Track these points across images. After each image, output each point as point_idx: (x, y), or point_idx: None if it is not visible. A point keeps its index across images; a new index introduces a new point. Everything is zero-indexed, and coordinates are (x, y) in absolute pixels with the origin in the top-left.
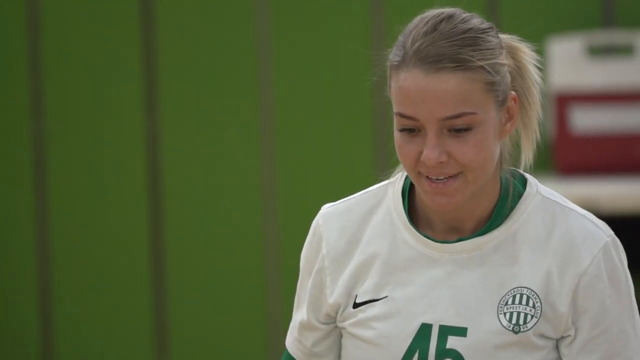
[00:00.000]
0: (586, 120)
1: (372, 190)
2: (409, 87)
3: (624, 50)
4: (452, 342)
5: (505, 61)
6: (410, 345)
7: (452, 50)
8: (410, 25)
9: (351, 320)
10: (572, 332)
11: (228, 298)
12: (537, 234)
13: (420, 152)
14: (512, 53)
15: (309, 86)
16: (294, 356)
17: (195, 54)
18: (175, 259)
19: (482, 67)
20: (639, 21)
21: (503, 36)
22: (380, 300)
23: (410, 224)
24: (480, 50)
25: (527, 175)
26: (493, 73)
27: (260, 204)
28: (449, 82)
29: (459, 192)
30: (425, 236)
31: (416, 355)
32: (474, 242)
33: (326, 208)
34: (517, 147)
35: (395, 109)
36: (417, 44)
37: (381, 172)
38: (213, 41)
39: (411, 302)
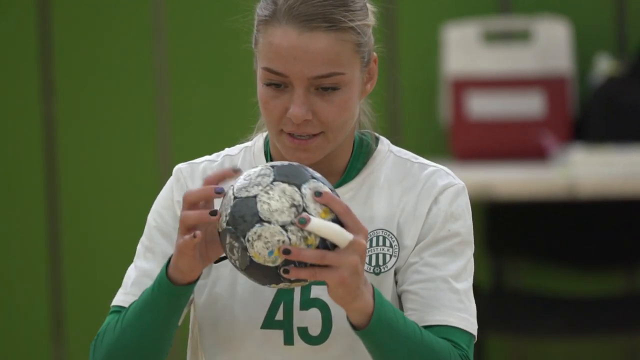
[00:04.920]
0: (482, 106)
1: (228, 152)
2: (281, 44)
3: (520, 36)
4: (316, 291)
5: (371, 22)
6: (273, 298)
7: (325, 10)
8: None
9: (212, 277)
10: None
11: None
12: (390, 183)
13: (286, 109)
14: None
15: (203, 66)
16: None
17: (92, 36)
18: (72, 251)
19: (352, 27)
20: (535, 7)
21: None
22: None
23: None
24: (351, 10)
25: (380, 136)
26: (362, 34)
27: (157, 187)
28: (321, 42)
29: (318, 149)
30: None
31: (281, 307)
32: None
33: (185, 164)
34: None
35: (262, 64)
36: (290, 1)
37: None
38: (109, 23)
39: None
